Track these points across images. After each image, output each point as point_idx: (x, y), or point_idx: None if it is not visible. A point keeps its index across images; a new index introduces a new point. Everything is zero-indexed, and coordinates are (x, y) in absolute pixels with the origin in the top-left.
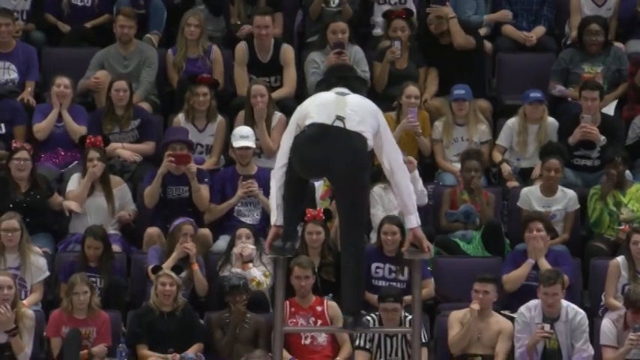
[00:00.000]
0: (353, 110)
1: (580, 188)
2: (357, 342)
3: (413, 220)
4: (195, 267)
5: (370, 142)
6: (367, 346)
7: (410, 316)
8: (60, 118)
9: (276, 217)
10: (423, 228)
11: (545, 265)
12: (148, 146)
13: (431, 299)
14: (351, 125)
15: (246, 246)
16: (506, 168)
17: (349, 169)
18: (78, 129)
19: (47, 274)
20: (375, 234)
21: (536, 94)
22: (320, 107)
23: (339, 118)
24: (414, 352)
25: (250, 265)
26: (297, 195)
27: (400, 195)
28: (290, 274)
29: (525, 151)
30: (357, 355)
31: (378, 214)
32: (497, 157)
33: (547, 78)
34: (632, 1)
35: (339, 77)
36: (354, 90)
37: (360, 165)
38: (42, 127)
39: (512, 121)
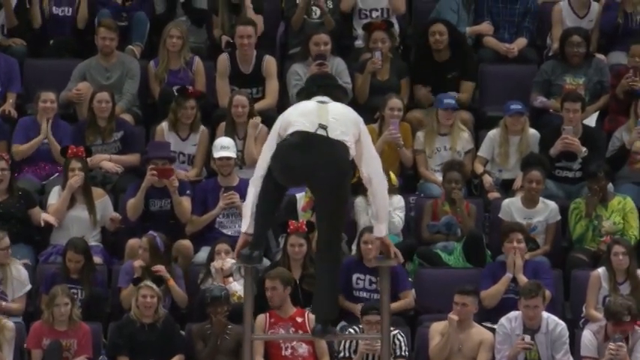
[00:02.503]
0: (335, 118)
1: (561, 200)
2: (341, 353)
3: (383, 230)
4: (171, 283)
5: (352, 151)
6: (352, 357)
7: (395, 331)
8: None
9: (247, 225)
10: (405, 240)
11: (523, 280)
12: (133, 158)
13: (411, 310)
14: (334, 134)
15: (225, 260)
16: (487, 179)
17: (332, 178)
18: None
19: (29, 287)
20: (356, 245)
21: (516, 106)
22: (302, 115)
23: (322, 126)
24: (383, 358)
25: (231, 279)
26: (271, 205)
27: (375, 203)
28: None
29: (507, 162)
30: None
31: (362, 225)
32: (478, 168)
33: (529, 89)
34: (614, 12)
35: (320, 86)
36: (335, 98)
37: (343, 173)
38: (22, 150)
39: (493, 133)
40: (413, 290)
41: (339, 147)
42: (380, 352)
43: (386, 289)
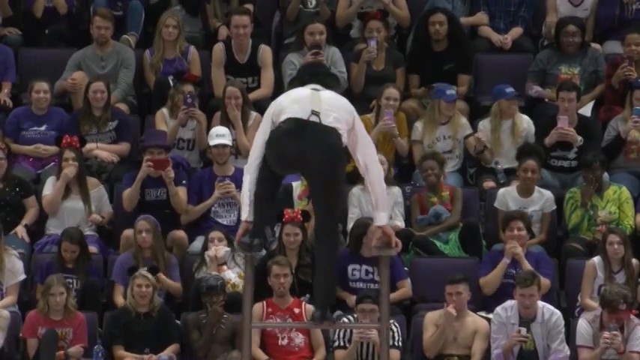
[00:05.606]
0: (328, 106)
1: (557, 189)
2: (336, 342)
3: (383, 218)
4: (162, 276)
5: (345, 138)
6: (347, 346)
7: (390, 321)
8: (40, 122)
9: (247, 213)
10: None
11: (527, 266)
12: (123, 147)
13: (408, 299)
14: (326, 121)
15: (219, 248)
16: (473, 140)
17: (325, 164)
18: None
19: (23, 277)
20: (349, 236)
21: (512, 90)
22: (295, 102)
23: (315, 113)
24: (382, 347)
25: (225, 267)
26: (269, 192)
27: (373, 192)
28: (267, 275)
29: (501, 147)
30: (336, 355)
31: (355, 215)
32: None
33: (524, 79)
34: (610, 2)
35: (312, 74)
36: (328, 86)
37: (336, 160)
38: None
39: (483, 123)
40: (409, 279)
41: (332, 133)
42: (377, 341)
43: (385, 279)
